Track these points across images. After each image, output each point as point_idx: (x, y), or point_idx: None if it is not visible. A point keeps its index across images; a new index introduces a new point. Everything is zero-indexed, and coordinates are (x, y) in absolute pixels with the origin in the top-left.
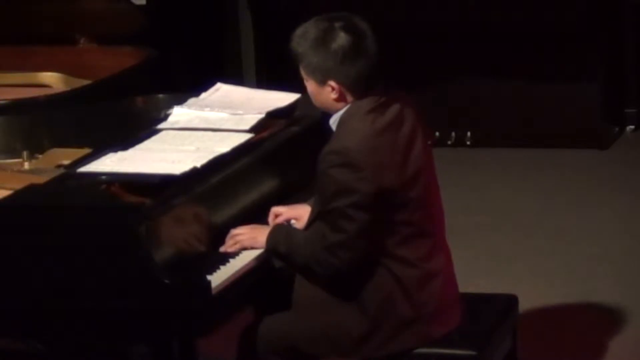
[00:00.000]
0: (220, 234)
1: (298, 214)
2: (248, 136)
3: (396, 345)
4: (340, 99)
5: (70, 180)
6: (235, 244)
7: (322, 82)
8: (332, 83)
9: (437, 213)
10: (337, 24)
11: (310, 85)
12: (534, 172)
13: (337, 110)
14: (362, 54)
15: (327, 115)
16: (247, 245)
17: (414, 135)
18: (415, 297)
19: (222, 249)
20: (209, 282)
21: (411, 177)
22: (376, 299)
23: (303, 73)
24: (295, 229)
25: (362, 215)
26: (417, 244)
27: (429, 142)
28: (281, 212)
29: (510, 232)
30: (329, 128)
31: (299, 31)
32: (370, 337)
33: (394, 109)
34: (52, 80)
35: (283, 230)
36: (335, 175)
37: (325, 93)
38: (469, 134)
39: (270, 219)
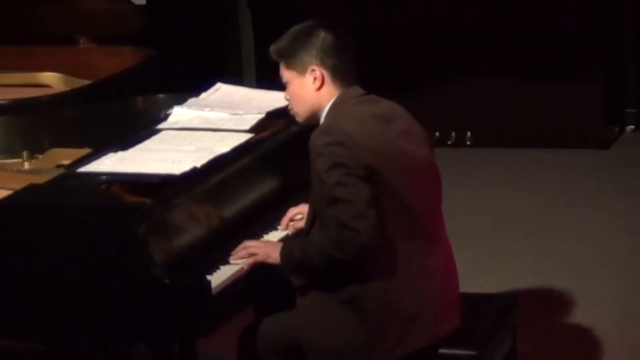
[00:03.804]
0: (220, 233)
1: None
2: (248, 136)
3: (407, 346)
4: (322, 86)
5: (70, 180)
6: (249, 257)
7: (303, 69)
8: (314, 67)
9: (435, 213)
10: (317, 24)
11: (293, 83)
12: (534, 172)
13: (321, 110)
14: (343, 47)
15: None
16: (261, 260)
17: (406, 136)
18: (416, 292)
19: (232, 259)
20: (209, 282)
21: (402, 175)
22: (376, 303)
23: (284, 73)
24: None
25: (360, 183)
26: (415, 241)
27: (431, 150)
28: (297, 211)
29: (510, 232)
30: None
31: (280, 37)
32: (376, 344)
33: (384, 105)
34: (52, 80)
35: (293, 239)
36: (326, 152)
37: (307, 85)
38: (469, 134)
39: (285, 222)
